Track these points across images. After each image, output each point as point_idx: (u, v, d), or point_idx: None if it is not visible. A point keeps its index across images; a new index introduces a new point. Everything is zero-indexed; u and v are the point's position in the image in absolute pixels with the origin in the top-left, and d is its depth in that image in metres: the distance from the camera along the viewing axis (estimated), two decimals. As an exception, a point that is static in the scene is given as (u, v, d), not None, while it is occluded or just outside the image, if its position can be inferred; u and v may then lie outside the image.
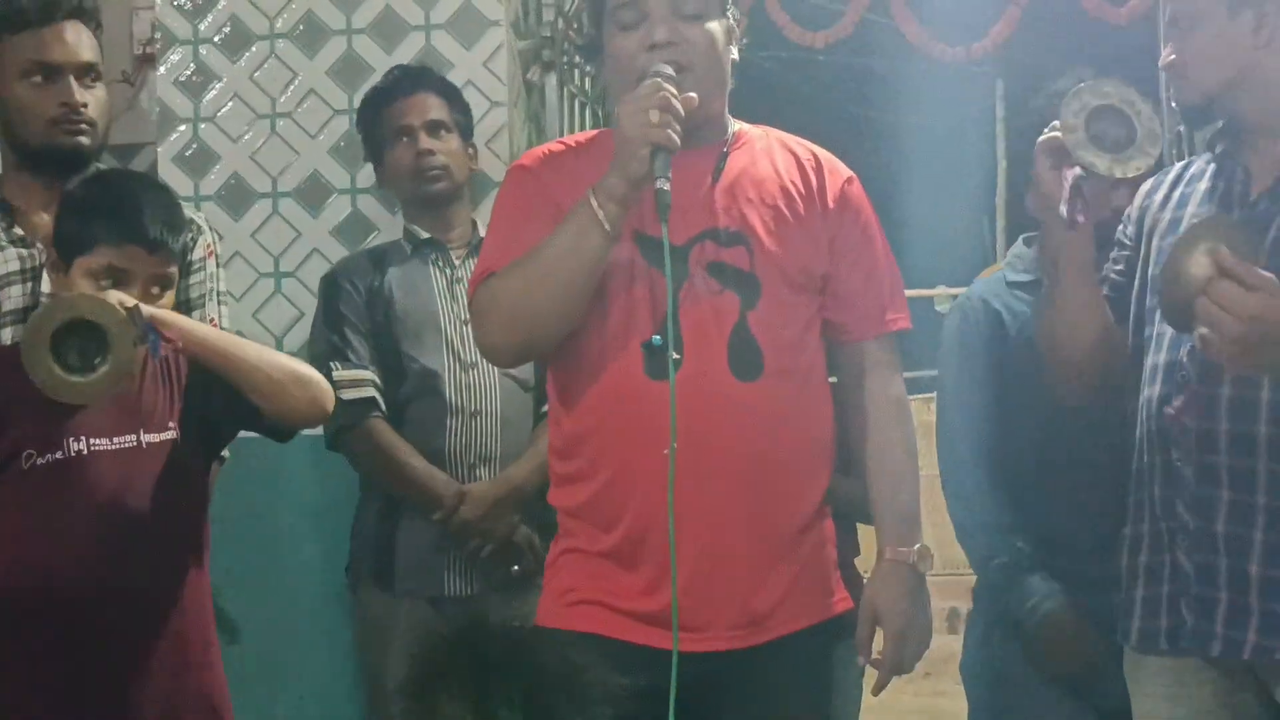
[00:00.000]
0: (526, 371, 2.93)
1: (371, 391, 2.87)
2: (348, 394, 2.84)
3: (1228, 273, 1.88)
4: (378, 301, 2.93)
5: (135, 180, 2.45)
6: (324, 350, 2.91)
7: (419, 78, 3.08)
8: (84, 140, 2.53)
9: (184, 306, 2.64)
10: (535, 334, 2.07)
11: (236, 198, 3.40)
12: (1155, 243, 2.21)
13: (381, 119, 3.04)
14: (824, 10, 4.90)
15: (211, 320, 2.67)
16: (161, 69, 3.45)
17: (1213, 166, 2.22)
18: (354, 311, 2.92)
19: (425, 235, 3.00)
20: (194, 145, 3.42)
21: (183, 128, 3.42)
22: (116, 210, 2.26)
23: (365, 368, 2.88)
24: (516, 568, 2.86)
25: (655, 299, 2.04)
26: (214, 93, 3.42)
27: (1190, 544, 2.10)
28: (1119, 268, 2.30)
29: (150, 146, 3.53)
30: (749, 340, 2.05)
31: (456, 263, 3.00)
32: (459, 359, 2.91)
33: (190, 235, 2.66)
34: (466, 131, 3.08)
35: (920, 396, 5.79)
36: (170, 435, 2.27)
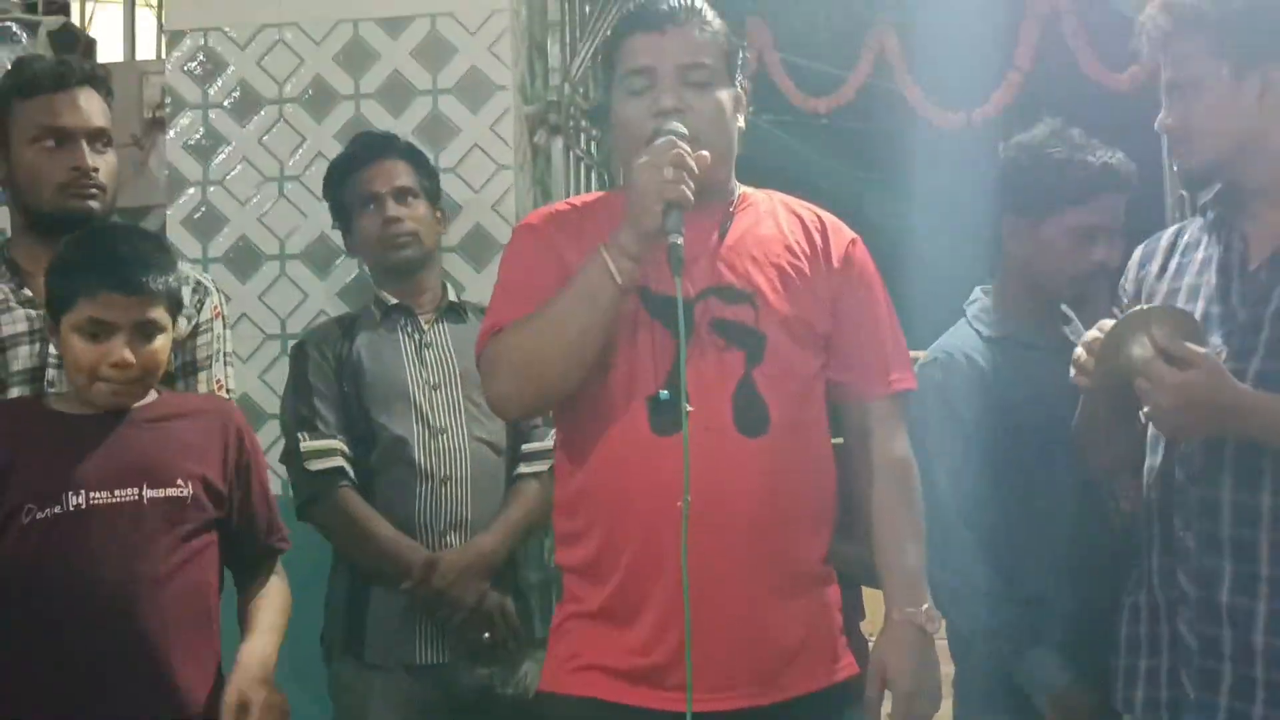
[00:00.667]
0: (498, 435, 2.92)
1: (339, 461, 2.84)
2: (315, 464, 2.83)
3: (1165, 351, 1.94)
4: (346, 368, 2.90)
5: (112, 230, 2.45)
6: (292, 420, 2.89)
7: (384, 144, 3.07)
8: (94, 204, 2.55)
9: (191, 367, 2.66)
10: (545, 386, 2.07)
11: (244, 260, 3.42)
12: None
13: (348, 187, 3.03)
14: (827, 76, 4.94)
15: (218, 382, 2.68)
16: (171, 133, 3.48)
17: (1207, 234, 2.21)
18: (322, 380, 2.89)
19: (394, 301, 2.99)
20: (202, 208, 3.44)
21: (191, 190, 3.45)
22: (90, 261, 2.25)
23: (333, 436, 2.85)
24: (488, 635, 2.83)
25: (658, 354, 2.05)
26: (223, 156, 3.45)
27: (1193, 615, 2.08)
28: None
29: (159, 209, 3.55)
30: (754, 396, 2.06)
31: (425, 327, 2.98)
32: (427, 424, 2.88)
33: (196, 294, 2.68)
34: (434, 197, 3.07)
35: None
36: (177, 492, 2.25)
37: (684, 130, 2.04)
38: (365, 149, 3.06)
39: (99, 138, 2.58)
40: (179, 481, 2.25)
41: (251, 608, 2.39)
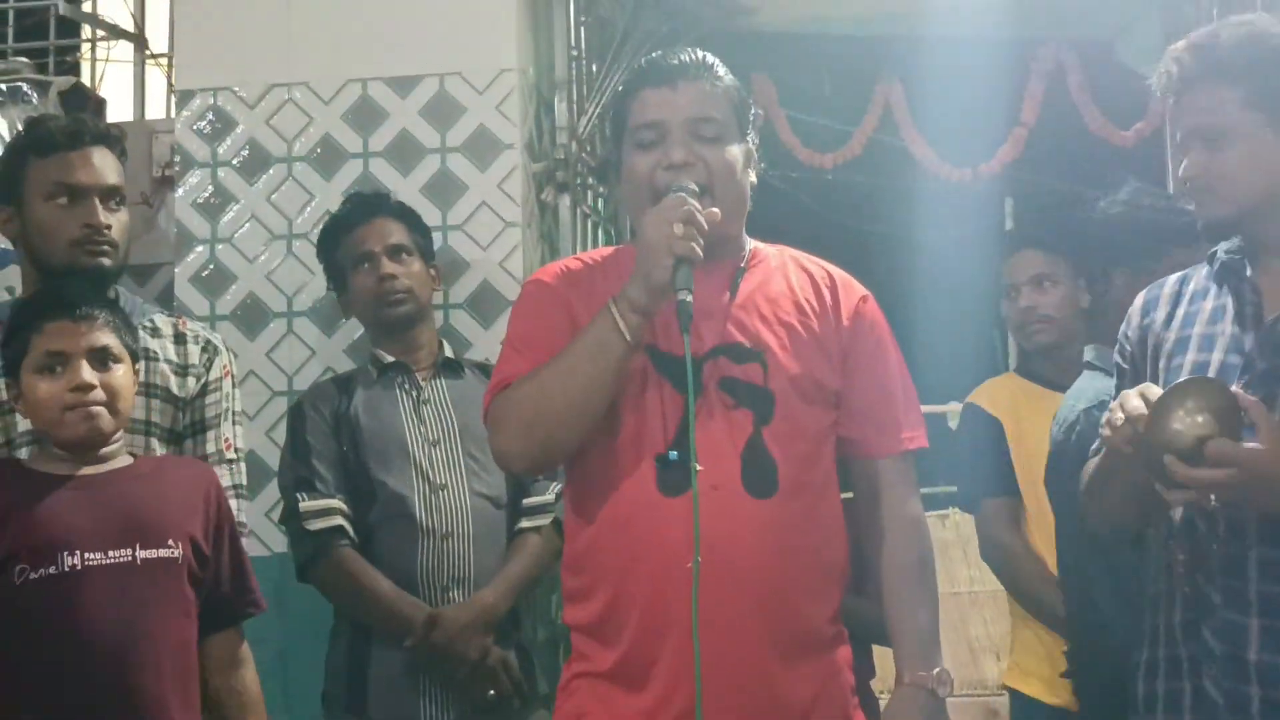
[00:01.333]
0: (499, 489, 2.91)
1: (338, 520, 2.83)
2: (314, 524, 2.82)
3: (1256, 417, 1.91)
4: (344, 427, 2.91)
5: (55, 281, 2.53)
6: (291, 480, 2.89)
7: (376, 204, 3.10)
8: (106, 261, 2.56)
9: (199, 426, 2.66)
10: (551, 441, 2.06)
11: (252, 317, 3.43)
12: (1164, 363, 2.17)
13: (341, 247, 3.05)
14: (833, 131, 4.96)
15: (226, 441, 2.68)
16: (180, 191, 3.50)
17: (1215, 284, 2.18)
18: (320, 439, 2.89)
19: (390, 359, 3.00)
20: (211, 266, 3.45)
21: (200, 248, 3.46)
22: (37, 306, 2.34)
23: (332, 496, 2.85)
24: (492, 692, 2.81)
25: (666, 412, 2.04)
26: (231, 214, 3.46)
27: (1218, 671, 2.04)
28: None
29: (168, 266, 3.56)
30: (764, 456, 2.04)
31: (423, 384, 2.99)
32: (427, 480, 2.88)
33: (205, 353, 2.69)
34: (428, 254, 3.08)
35: (936, 513, 5.75)
36: (169, 553, 2.25)
37: (694, 187, 2.04)
38: (357, 209, 3.08)
39: (112, 195, 2.59)
40: (170, 542, 2.26)
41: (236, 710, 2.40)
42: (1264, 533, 2.01)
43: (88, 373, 2.24)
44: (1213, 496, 1.94)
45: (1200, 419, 1.93)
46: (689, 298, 1.96)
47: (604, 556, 2.07)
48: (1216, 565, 2.05)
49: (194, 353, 2.68)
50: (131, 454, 2.40)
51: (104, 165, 2.59)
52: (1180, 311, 2.20)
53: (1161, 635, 2.14)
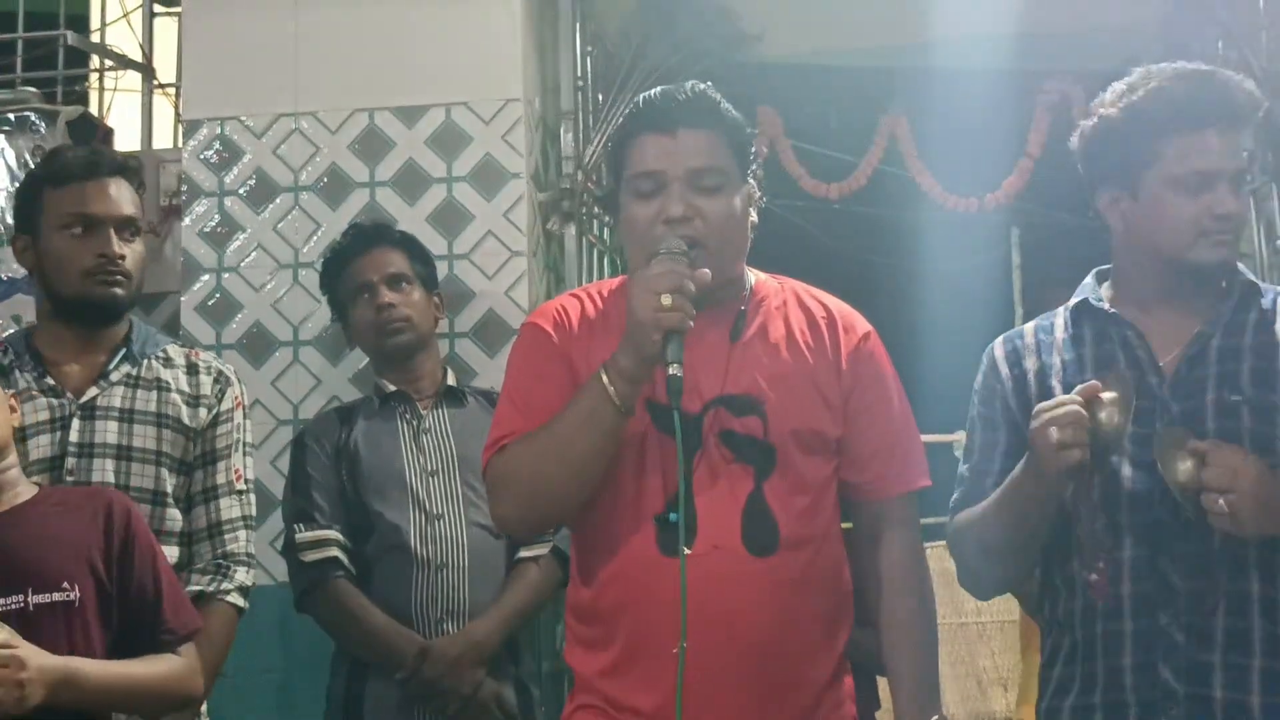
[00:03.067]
0: None
1: (334, 551, 2.84)
2: (310, 556, 2.83)
3: (1214, 458, 1.91)
4: (344, 458, 2.92)
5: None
6: (290, 512, 2.91)
7: (375, 234, 3.11)
8: (119, 291, 2.56)
9: (210, 457, 2.65)
10: (550, 509, 2.07)
11: (258, 346, 3.43)
12: None
13: (342, 278, 3.07)
14: (839, 162, 4.97)
15: (236, 471, 2.67)
16: (187, 220, 3.51)
17: (1089, 329, 2.14)
18: (319, 471, 2.91)
19: (392, 388, 3.01)
20: (217, 294, 3.46)
21: (206, 277, 3.47)
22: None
23: (329, 527, 2.86)
24: None
25: (666, 469, 2.02)
26: (238, 243, 3.47)
27: (1182, 713, 1.99)
28: (997, 466, 2.17)
29: (174, 296, 3.57)
30: (764, 512, 2.02)
31: (424, 413, 3.00)
32: (424, 510, 2.88)
33: (217, 384, 2.68)
34: (430, 282, 3.09)
35: (938, 543, 5.72)
36: (64, 596, 2.16)
37: (683, 246, 1.98)
38: (356, 240, 3.10)
39: (127, 226, 2.60)
40: (65, 585, 2.17)
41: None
42: (1228, 567, 1.99)
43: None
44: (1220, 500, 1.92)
45: (1189, 457, 1.95)
46: (679, 372, 1.92)
47: (607, 612, 2.06)
48: (1181, 603, 2.01)
49: (206, 383, 2.68)
50: (38, 483, 2.33)
51: (119, 196, 2.59)
52: (1056, 360, 2.16)
53: (1100, 679, 2.07)
